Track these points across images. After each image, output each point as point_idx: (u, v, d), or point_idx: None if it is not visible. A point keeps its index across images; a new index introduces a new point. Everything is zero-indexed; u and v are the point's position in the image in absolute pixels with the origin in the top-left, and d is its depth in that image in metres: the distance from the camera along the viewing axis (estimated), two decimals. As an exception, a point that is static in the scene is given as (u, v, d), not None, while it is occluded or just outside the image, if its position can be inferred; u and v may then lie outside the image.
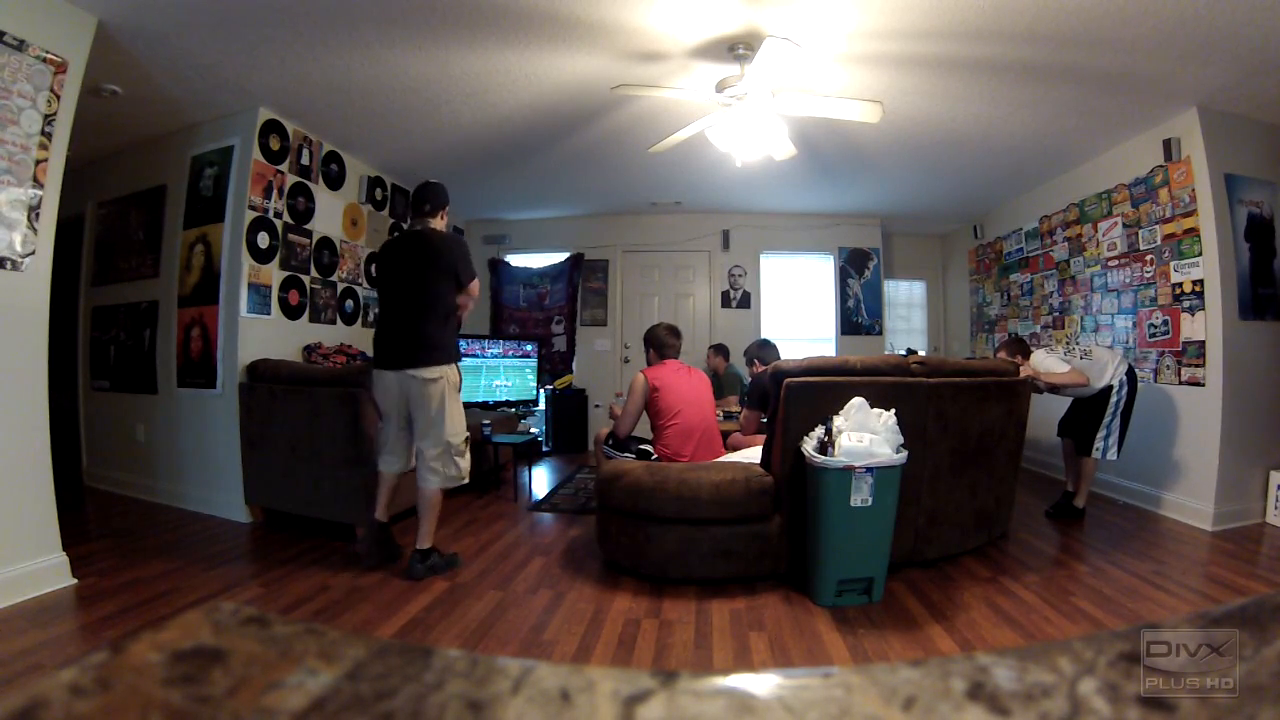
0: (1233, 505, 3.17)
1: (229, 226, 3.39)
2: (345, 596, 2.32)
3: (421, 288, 2.48)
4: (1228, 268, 3.18)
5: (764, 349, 3.56)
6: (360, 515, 2.90)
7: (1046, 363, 3.22)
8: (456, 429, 2.52)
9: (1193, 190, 3.27)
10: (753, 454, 2.73)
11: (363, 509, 2.90)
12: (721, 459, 2.84)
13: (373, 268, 4.44)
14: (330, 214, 4.06)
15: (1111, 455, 3.24)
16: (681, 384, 2.93)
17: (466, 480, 2.60)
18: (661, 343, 3.01)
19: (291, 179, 3.68)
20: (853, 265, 6.11)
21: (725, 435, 3.19)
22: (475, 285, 2.63)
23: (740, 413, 3.77)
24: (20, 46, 2.20)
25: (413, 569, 2.49)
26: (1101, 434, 3.21)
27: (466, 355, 4.26)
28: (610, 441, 3.10)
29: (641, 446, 3.03)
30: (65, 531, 2.42)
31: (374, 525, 2.63)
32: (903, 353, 3.40)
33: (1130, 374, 3.23)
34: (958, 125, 3.57)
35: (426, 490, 2.51)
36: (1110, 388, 3.20)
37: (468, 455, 2.59)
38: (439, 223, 2.62)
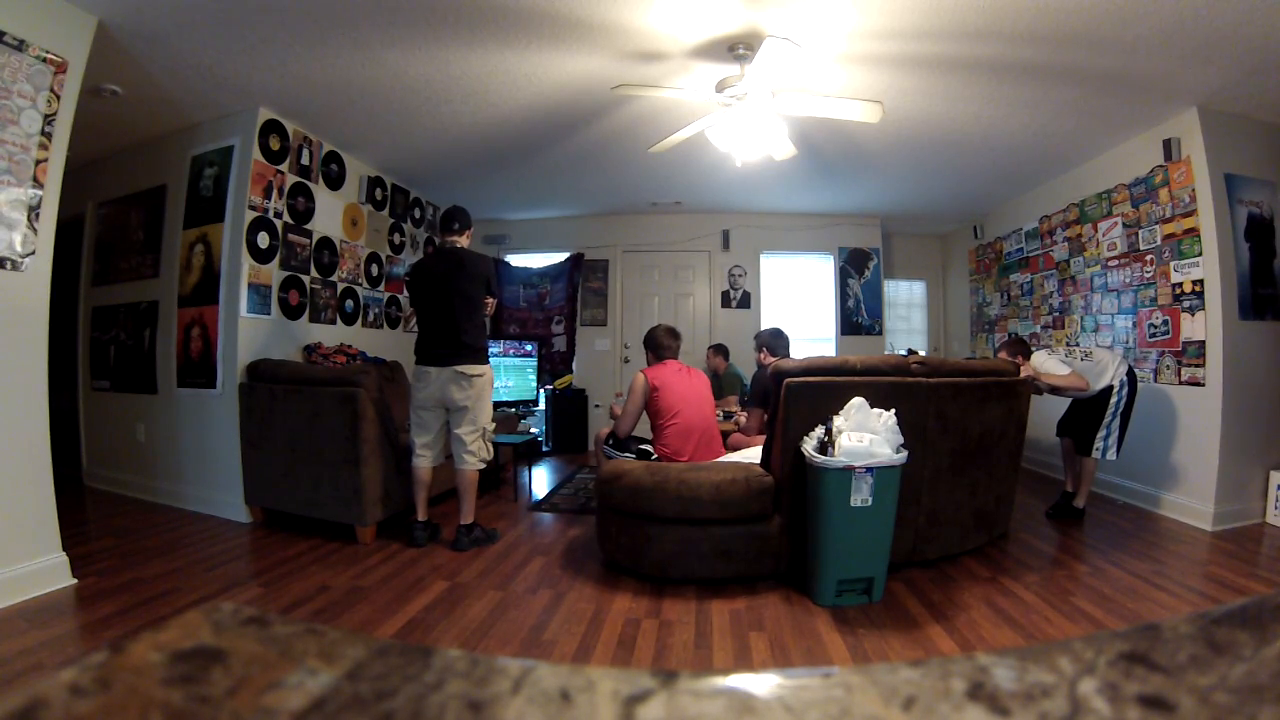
0: (1233, 505, 3.17)
1: (229, 226, 3.39)
2: (345, 596, 2.33)
3: (462, 297, 2.86)
4: (1228, 268, 3.18)
5: (776, 339, 3.45)
6: (358, 515, 2.95)
7: (1047, 364, 3.22)
8: (488, 417, 2.97)
9: (1193, 190, 3.27)
10: (753, 454, 2.73)
11: (362, 509, 2.94)
12: (721, 459, 2.84)
13: (385, 274, 4.66)
14: (330, 214, 4.06)
15: (1111, 455, 3.24)
16: (681, 384, 2.93)
17: (490, 459, 3.00)
18: (660, 344, 3.02)
19: (291, 179, 3.68)
20: (853, 265, 6.11)
21: (725, 435, 3.19)
22: (494, 304, 3.05)
23: (738, 413, 3.77)
24: (20, 46, 2.20)
25: (459, 542, 2.87)
26: (1101, 434, 3.21)
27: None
28: (610, 441, 3.10)
29: (641, 446, 3.03)
30: (65, 531, 2.42)
31: (419, 525, 2.93)
32: (903, 353, 3.39)
33: (1130, 374, 3.23)
34: (958, 125, 3.57)
35: (465, 471, 2.91)
36: (1110, 388, 3.20)
37: (491, 440, 3.02)
38: (465, 240, 2.98)
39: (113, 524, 3.18)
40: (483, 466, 2.95)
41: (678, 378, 2.94)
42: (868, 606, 2.22)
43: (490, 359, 3.02)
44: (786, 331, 3.53)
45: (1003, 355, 3.33)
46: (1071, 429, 3.41)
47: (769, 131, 2.83)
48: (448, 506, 3.47)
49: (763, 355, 3.42)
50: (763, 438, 2.70)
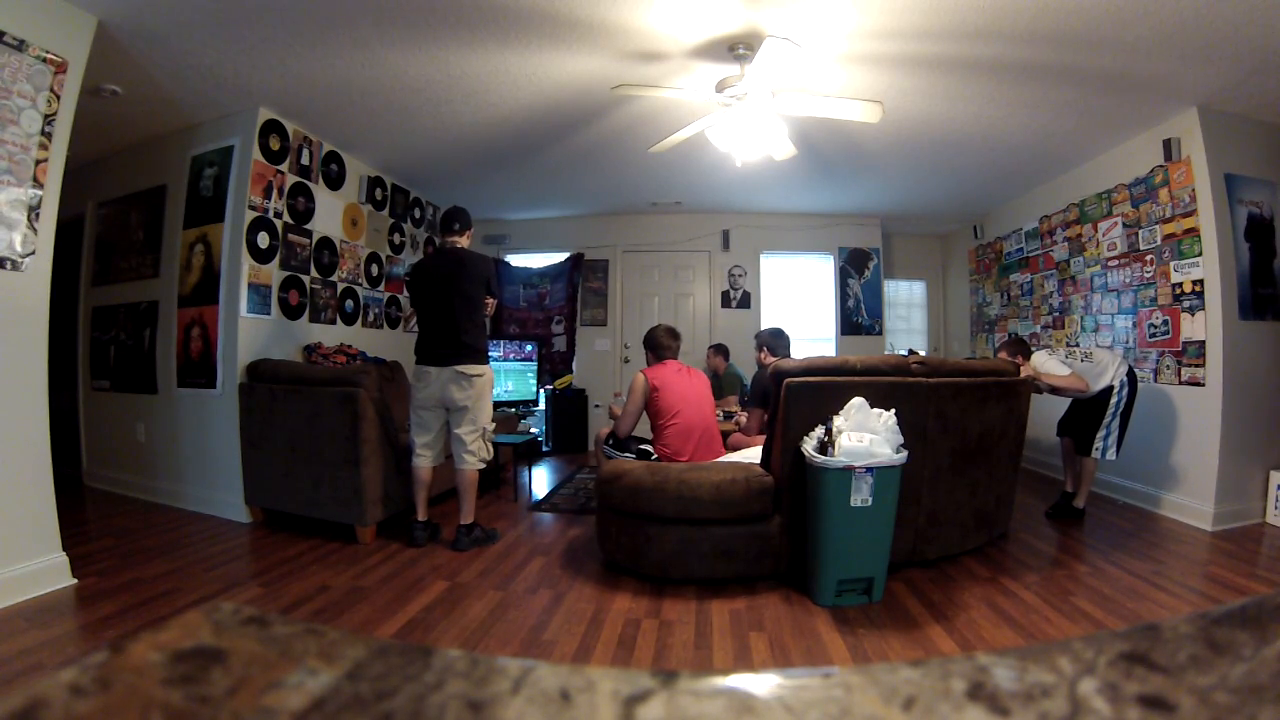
0: (1233, 505, 3.17)
1: (229, 226, 3.39)
2: (345, 596, 2.33)
3: (463, 298, 2.86)
4: (1228, 268, 3.18)
5: (776, 339, 3.43)
6: (358, 515, 2.95)
7: (1047, 365, 3.22)
8: (488, 417, 2.97)
9: (1193, 190, 3.27)
10: (753, 454, 2.73)
11: (362, 509, 2.94)
12: (721, 459, 2.84)
13: (396, 277, 4.77)
14: (330, 214, 4.06)
15: (1111, 456, 3.24)
16: (681, 384, 2.93)
17: (490, 459, 3.01)
18: (660, 344, 3.02)
19: (291, 179, 3.68)
20: (853, 265, 6.11)
21: (725, 435, 3.19)
22: (494, 304, 3.05)
23: (737, 413, 3.77)
24: (20, 46, 2.20)
25: (459, 542, 2.87)
26: (1101, 434, 3.22)
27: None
28: (610, 441, 3.10)
29: (641, 446, 3.03)
30: (65, 531, 2.42)
31: (419, 525, 2.93)
32: (904, 353, 3.39)
33: (1131, 375, 3.23)
34: (958, 125, 3.56)
35: (465, 471, 2.91)
36: (1111, 388, 3.20)
37: (491, 441, 3.02)
38: (465, 241, 2.99)
39: (113, 524, 3.18)
40: (483, 466, 2.95)
41: (678, 378, 2.94)
42: (868, 606, 2.22)
43: (490, 362, 3.02)
44: (787, 331, 3.53)
45: (1003, 355, 3.33)
46: (1071, 429, 3.41)
47: (769, 131, 2.83)
48: (448, 506, 3.47)
49: (763, 355, 3.41)
50: (762, 438, 2.69)
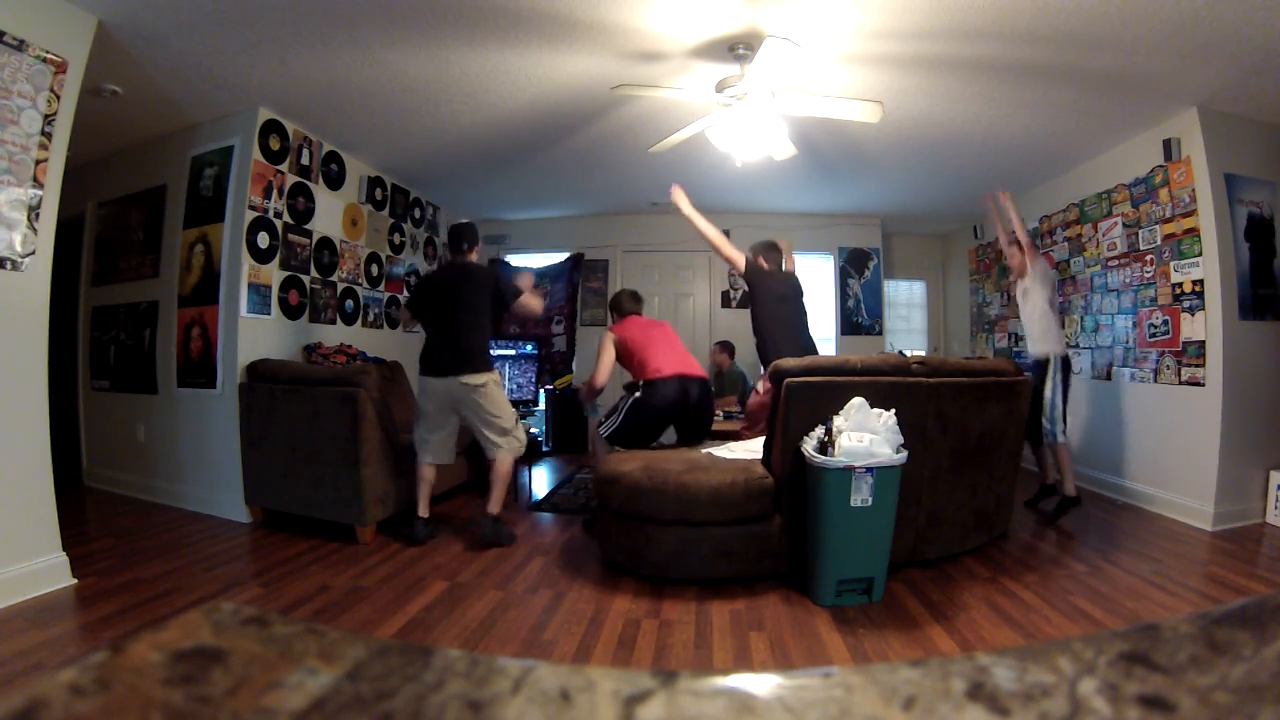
0: (1233, 505, 3.17)
1: (229, 226, 3.39)
2: (345, 596, 2.32)
3: (469, 310, 2.95)
4: (1228, 268, 3.17)
5: (770, 249, 3.71)
6: (358, 515, 2.95)
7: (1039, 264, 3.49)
8: (508, 412, 3.02)
9: (1193, 190, 3.27)
10: (754, 445, 2.74)
11: (363, 509, 2.94)
12: (722, 455, 2.83)
13: (403, 290, 4.78)
14: (330, 214, 4.06)
15: (1061, 438, 3.34)
16: (644, 324, 3.23)
17: (525, 445, 3.07)
18: (623, 307, 3.31)
19: (291, 179, 3.68)
20: (853, 265, 6.11)
21: (725, 436, 3.20)
22: (527, 298, 3.12)
23: (738, 412, 3.77)
24: (20, 46, 2.20)
25: (484, 531, 2.89)
26: (1046, 422, 3.35)
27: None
28: (607, 434, 3.10)
29: (635, 395, 3.08)
30: (65, 531, 2.42)
31: (421, 522, 2.95)
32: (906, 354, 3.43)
33: (1065, 360, 3.39)
34: (958, 125, 3.56)
35: (501, 462, 2.96)
36: (1048, 362, 3.37)
37: (521, 426, 3.08)
38: (474, 256, 3.11)
39: (113, 524, 3.18)
40: (519, 453, 3.02)
41: (641, 324, 3.21)
42: (868, 606, 2.22)
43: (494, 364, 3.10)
44: None
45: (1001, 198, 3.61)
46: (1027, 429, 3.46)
47: (769, 131, 2.83)
48: (450, 505, 3.47)
49: (757, 259, 3.63)
50: (763, 438, 2.69)
